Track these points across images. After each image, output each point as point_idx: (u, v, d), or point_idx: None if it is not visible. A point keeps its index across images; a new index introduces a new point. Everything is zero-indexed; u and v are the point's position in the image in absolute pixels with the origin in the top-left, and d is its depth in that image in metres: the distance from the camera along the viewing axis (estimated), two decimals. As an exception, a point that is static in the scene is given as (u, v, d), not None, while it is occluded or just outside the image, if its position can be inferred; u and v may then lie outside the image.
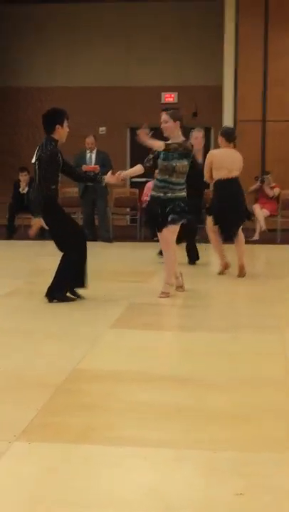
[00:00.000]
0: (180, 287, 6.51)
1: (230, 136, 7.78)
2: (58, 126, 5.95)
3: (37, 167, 6.00)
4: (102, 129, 14.49)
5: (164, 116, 6.32)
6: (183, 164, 6.15)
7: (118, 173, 6.33)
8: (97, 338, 4.74)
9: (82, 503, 2.37)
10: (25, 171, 12.65)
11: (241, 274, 7.50)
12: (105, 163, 11.21)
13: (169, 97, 14.77)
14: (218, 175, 7.62)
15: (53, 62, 14.63)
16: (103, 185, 6.67)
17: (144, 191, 12.02)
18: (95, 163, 11.56)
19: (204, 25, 14.20)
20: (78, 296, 6.05)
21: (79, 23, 14.54)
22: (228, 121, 13.01)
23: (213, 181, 7.75)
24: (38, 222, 6.14)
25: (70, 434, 2.97)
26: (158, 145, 6.14)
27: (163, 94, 14.71)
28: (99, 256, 9.73)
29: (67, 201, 12.78)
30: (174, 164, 6.12)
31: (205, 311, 5.98)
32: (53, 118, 6.00)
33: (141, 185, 12.32)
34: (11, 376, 3.86)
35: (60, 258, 6.02)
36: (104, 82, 14.51)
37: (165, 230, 6.25)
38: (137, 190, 12.90)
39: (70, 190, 11.78)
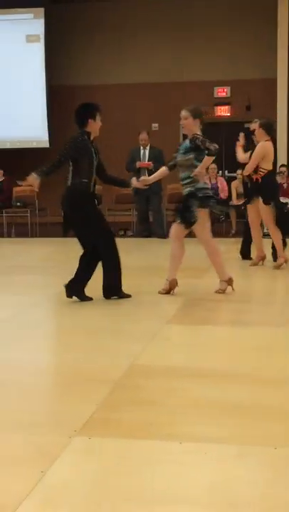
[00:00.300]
0: (163, 290, 6.14)
1: (270, 128, 7.77)
2: (90, 120, 5.88)
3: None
4: (155, 126, 14.49)
5: (184, 112, 6.05)
6: (185, 158, 5.97)
7: (141, 179, 6.30)
8: (155, 334, 4.75)
9: (145, 499, 2.38)
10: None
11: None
12: (159, 160, 11.21)
13: (222, 92, 14.68)
14: (269, 166, 7.73)
15: (105, 59, 14.69)
16: (130, 189, 6.56)
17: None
18: (149, 160, 11.58)
19: (259, 17, 14.06)
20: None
21: (129, 19, 14.56)
22: (282, 114, 12.85)
23: (263, 173, 7.76)
24: (33, 181, 5.74)
25: (129, 430, 2.99)
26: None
27: (215, 88, 14.63)
28: (153, 252, 9.75)
29: (121, 198, 12.82)
30: (177, 159, 6.05)
31: (261, 307, 5.93)
32: (85, 112, 5.93)
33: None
34: (71, 372, 3.89)
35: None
36: (156, 78, 14.51)
37: (174, 225, 6.15)
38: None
39: (123, 187, 11.82)
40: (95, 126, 5.90)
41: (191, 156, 5.93)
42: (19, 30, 14.20)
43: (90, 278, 5.91)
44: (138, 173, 11.33)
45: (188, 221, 5.97)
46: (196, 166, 5.91)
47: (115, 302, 5.89)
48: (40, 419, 3.15)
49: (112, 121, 10.99)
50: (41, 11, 14.13)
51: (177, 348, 4.47)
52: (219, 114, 14.63)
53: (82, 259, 5.94)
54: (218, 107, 14.64)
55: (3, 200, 13.11)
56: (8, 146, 14.08)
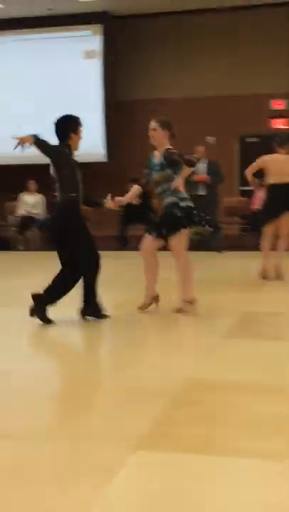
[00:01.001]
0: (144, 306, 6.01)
1: (283, 142, 8.09)
2: (71, 133, 5.73)
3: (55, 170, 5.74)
4: (211, 139, 14.49)
5: (153, 123, 5.92)
6: (162, 174, 5.85)
7: (116, 199, 6.17)
8: (212, 348, 4.74)
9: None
10: (136, 183, 12.87)
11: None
12: (215, 173, 11.21)
13: (279, 104, 14.59)
14: (272, 179, 8.02)
15: (162, 74, 14.78)
16: (103, 207, 6.32)
17: (254, 200, 11.93)
18: (206, 173, 11.58)
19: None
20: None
21: (185, 33, 14.64)
22: None
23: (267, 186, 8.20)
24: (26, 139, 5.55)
25: (189, 445, 2.98)
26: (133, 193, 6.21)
27: (271, 101, 14.55)
28: (209, 266, 9.73)
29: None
30: (153, 177, 5.94)
31: None
32: (67, 125, 5.77)
33: (251, 194, 12.23)
34: (129, 385, 3.91)
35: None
36: (213, 92, 14.52)
37: (146, 237, 6.04)
38: (246, 199, 12.81)
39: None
40: (75, 140, 5.75)
41: (169, 171, 5.81)
42: (77, 47, 14.42)
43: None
44: (195, 186, 11.35)
45: (179, 228, 5.81)
46: (174, 179, 5.81)
47: (170, 316, 5.89)
48: (99, 432, 3.16)
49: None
50: (99, 27, 14.33)
51: (234, 362, 4.44)
52: (275, 126, 14.54)
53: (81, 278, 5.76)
54: (274, 120, 14.56)
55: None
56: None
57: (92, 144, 14.10)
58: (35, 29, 14.52)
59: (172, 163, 5.75)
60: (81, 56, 14.44)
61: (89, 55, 14.42)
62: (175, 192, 5.82)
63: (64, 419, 3.39)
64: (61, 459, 2.86)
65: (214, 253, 11.12)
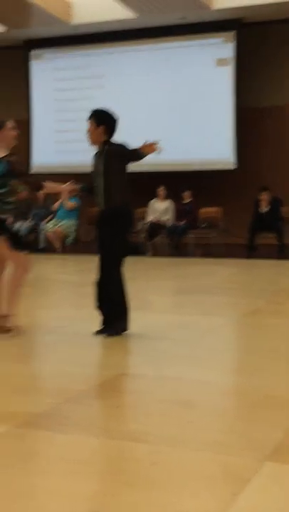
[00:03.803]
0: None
1: None
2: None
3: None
4: None
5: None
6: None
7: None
8: None
9: None
10: (265, 191, 12.77)
11: None
12: None
13: None
14: None
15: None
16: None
17: None
18: None
19: None
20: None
21: None
22: None
23: None
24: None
25: None
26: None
27: None
28: None
29: None
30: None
31: None
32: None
33: None
34: (258, 394, 3.86)
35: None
36: None
37: None
38: None
39: None
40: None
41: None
42: (209, 54, 14.46)
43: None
44: None
45: None
46: None
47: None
48: (229, 440, 3.14)
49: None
50: (231, 34, 14.29)
51: None
52: None
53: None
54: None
55: (190, 221, 13.36)
56: (196, 167, 14.35)
57: (220, 152, 14.13)
58: (167, 37, 14.68)
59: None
60: (213, 64, 14.46)
61: (221, 62, 14.42)
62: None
63: (195, 423, 3.39)
64: (192, 463, 2.85)
65: None
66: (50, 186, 5.52)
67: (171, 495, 2.54)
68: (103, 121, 5.38)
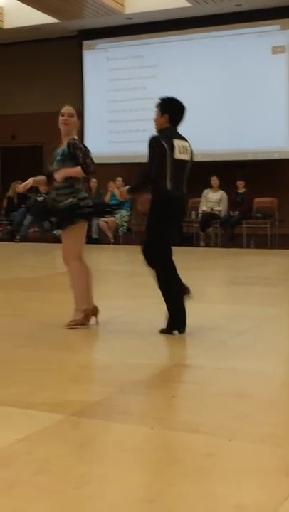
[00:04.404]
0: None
1: None
2: None
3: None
4: None
5: (68, 108, 5.41)
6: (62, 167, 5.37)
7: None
8: None
9: None
10: None
11: None
12: None
13: None
14: None
15: None
16: None
17: None
18: None
19: None
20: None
21: None
22: None
23: None
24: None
25: None
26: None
27: None
28: None
29: None
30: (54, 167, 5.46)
31: None
32: None
33: None
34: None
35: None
36: None
37: None
38: None
39: None
40: None
41: (70, 165, 5.31)
42: (265, 42, 14.26)
43: None
44: None
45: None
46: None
47: None
48: (286, 433, 3.09)
49: None
50: (288, 21, 14.06)
51: None
52: None
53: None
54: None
55: (244, 211, 13.23)
56: (250, 157, 14.20)
57: (276, 141, 13.93)
58: (222, 26, 14.53)
59: (73, 156, 5.31)
60: (269, 51, 14.25)
61: (277, 50, 14.20)
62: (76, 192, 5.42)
63: (253, 415, 3.34)
64: (250, 456, 2.82)
65: None
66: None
67: (227, 487, 2.51)
68: (167, 109, 5.29)
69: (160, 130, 5.27)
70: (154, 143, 5.09)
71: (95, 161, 5.42)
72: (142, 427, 3.14)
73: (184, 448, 2.93)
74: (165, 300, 5.16)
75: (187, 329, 5.13)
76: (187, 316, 5.14)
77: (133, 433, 3.08)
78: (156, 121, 5.33)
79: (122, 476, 2.61)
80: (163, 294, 5.16)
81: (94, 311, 5.47)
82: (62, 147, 5.37)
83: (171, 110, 5.29)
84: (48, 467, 2.67)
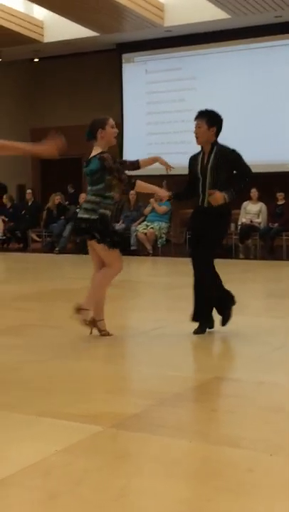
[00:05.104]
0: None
1: None
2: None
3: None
4: None
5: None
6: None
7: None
8: None
9: None
10: None
11: None
12: None
13: None
14: None
15: None
16: None
17: None
18: None
19: None
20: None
21: None
22: None
23: None
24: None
25: None
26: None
27: None
28: None
29: None
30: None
31: None
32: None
33: None
34: None
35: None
36: None
37: None
38: None
39: None
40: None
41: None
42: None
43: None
44: None
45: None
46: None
47: None
48: None
49: None
50: None
51: None
52: None
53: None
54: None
55: (284, 222, 13.11)
56: (289, 168, 14.12)
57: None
58: (261, 37, 14.49)
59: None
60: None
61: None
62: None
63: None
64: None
65: None
66: (142, 185, 5.49)
67: (268, 503, 2.48)
68: (215, 122, 5.46)
69: (214, 142, 5.43)
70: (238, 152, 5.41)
71: (134, 172, 5.48)
72: (180, 440, 3.12)
73: (224, 462, 2.90)
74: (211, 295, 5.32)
75: (226, 342, 5.10)
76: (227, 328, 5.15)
77: (172, 446, 3.06)
78: (202, 133, 5.43)
79: (160, 489, 2.59)
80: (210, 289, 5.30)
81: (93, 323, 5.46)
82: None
83: (218, 122, 5.47)
84: (87, 479, 2.67)
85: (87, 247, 5.48)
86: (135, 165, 5.62)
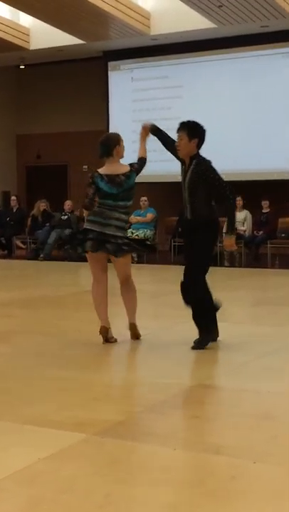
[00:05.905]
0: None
1: None
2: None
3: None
4: None
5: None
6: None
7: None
8: None
9: None
10: None
11: None
12: None
13: None
14: None
15: None
16: None
17: None
18: None
19: None
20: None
21: None
22: None
23: None
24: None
25: None
26: None
27: None
28: None
29: None
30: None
31: None
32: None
33: None
34: None
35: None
36: None
37: None
38: None
39: None
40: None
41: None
42: (289, 63, 14.30)
43: None
44: None
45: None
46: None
47: None
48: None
49: None
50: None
51: None
52: None
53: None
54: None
55: (269, 231, 13.19)
56: (275, 177, 14.18)
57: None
58: (248, 47, 14.58)
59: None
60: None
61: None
62: None
63: (281, 440, 3.32)
64: (277, 481, 2.80)
65: None
66: (143, 150, 5.82)
67: (253, 510, 2.50)
68: (196, 134, 5.29)
69: (195, 156, 5.27)
70: (213, 169, 5.22)
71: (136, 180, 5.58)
72: (165, 448, 3.14)
73: (208, 470, 2.92)
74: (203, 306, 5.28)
75: (210, 349, 5.13)
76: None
77: (157, 454, 3.08)
78: (183, 145, 5.29)
79: (145, 496, 2.61)
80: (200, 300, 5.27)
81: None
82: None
83: (200, 135, 5.31)
84: (72, 486, 2.68)
85: (77, 255, 5.59)
86: (143, 161, 5.77)
